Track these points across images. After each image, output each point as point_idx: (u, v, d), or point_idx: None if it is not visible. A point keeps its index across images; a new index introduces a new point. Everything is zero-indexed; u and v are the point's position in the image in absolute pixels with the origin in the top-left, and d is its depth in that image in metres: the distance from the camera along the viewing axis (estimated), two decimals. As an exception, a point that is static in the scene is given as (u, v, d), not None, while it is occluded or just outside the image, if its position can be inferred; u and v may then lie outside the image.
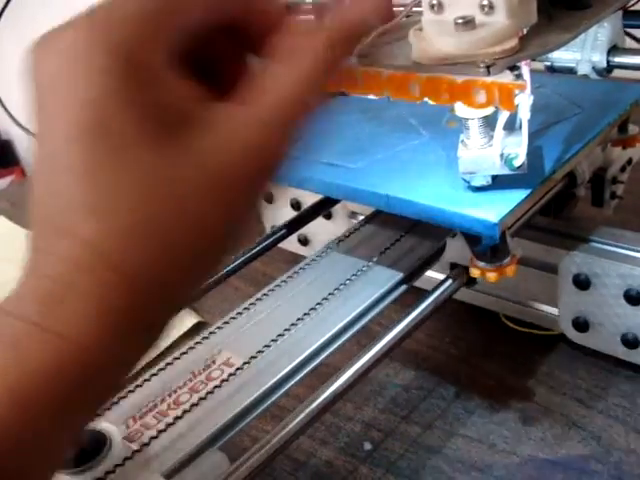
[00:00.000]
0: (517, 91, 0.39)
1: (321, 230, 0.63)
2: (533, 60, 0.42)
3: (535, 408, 0.52)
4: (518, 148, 0.44)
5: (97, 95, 0.22)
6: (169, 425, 0.41)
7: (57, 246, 0.22)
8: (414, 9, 0.47)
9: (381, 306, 0.50)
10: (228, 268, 0.54)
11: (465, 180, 0.47)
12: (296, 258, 0.59)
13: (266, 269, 0.68)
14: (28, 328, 0.21)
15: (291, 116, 0.25)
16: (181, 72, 0.24)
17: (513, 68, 0.39)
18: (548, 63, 0.52)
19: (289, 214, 0.63)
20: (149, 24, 0.24)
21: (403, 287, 0.50)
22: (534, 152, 0.51)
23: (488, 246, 0.46)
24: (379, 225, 0.54)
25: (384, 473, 0.49)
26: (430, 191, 0.47)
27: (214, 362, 0.46)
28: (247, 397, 0.45)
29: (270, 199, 0.70)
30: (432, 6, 0.39)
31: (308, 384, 0.49)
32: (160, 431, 0.41)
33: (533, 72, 0.49)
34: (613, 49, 0.51)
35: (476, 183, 0.47)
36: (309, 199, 0.63)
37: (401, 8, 0.49)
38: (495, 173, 0.46)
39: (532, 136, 0.53)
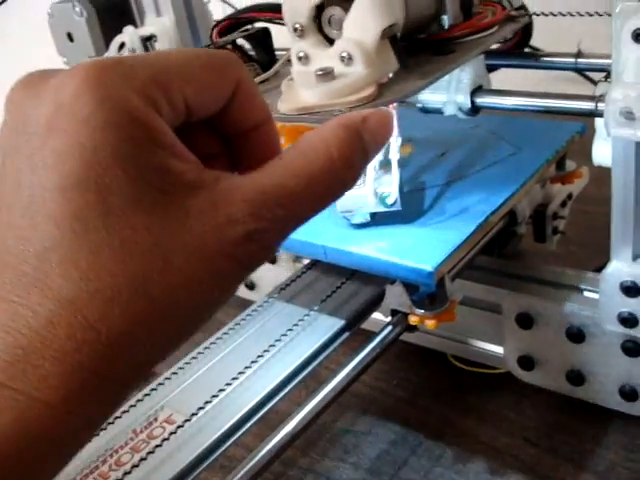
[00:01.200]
0: None
1: (267, 275, 0.63)
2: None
3: (483, 449, 0.52)
4: (390, 187, 0.46)
5: (95, 148, 0.21)
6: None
7: (26, 297, 0.21)
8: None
9: (325, 354, 0.49)
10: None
11: (346, 218, 0.49)
12: (244, 302, 0.59)
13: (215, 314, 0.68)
14: None
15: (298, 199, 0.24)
16: (179, 139, 0.24)
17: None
18: (420, 105, 0.53)
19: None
20: (160, 85, 0.23)
21: (346, 334, 0.50)
22: (471, 194, 0.51)
23: (426, 293, 0.46)
24: (320, 272, 0.54)
25: (333, 523, 0.49)
26: (366, 240, 0.48)
27: (156, 419, 0.46)
28: (192, 452, 0.45)
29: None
30: (299, 58, 0.41)
31: (257, 433, 0.49)
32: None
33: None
34: (477, 90, 0.51)
35: (356, 221, 0.49)
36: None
37: (283, 52, 0.50)
38: (371, 211, 0.48)
39: (469, 177, 0.53)
